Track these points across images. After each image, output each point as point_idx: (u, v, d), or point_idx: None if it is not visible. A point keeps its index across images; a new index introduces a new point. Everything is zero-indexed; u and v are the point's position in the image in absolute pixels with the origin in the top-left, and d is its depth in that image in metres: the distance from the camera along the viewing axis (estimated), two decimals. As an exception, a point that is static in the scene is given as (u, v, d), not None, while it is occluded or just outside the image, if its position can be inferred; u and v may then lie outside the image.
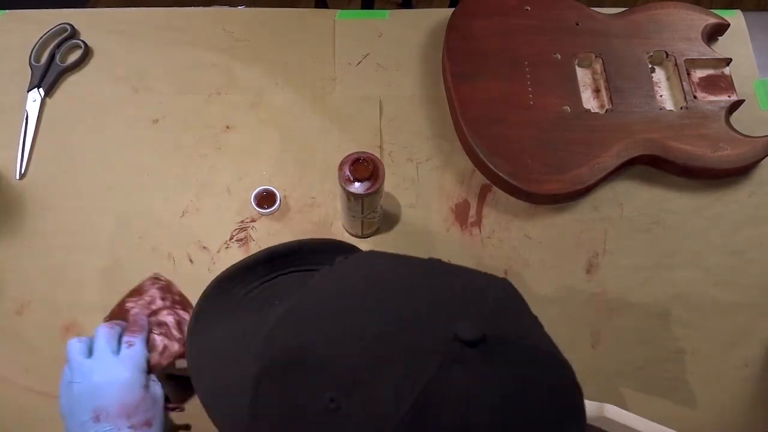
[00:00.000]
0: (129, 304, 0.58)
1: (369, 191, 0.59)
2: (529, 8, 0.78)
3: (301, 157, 0.74)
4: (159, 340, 0.55)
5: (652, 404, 0.65)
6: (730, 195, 0.74)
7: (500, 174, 0.70)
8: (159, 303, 0.58)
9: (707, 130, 0.73)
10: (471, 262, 0.70)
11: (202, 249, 0.69)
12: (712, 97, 0.75)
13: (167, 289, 0.60)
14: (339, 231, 0.70)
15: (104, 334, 0.52)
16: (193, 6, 0.83)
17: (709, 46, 0.78)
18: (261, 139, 0.75)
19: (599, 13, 0.79)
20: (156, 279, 0.60)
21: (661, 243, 0.71)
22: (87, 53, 0.79)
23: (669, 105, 0.75)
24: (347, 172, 0.58)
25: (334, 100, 0.77)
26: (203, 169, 0.73)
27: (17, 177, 0.72)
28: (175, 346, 0.56)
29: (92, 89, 0.77)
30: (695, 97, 0.75)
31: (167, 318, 0.57)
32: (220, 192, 0.72)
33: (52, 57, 0.78)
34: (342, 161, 0.59)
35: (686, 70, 0.76)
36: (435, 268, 0.39)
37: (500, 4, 0.78)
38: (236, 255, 0.69)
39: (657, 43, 0.77)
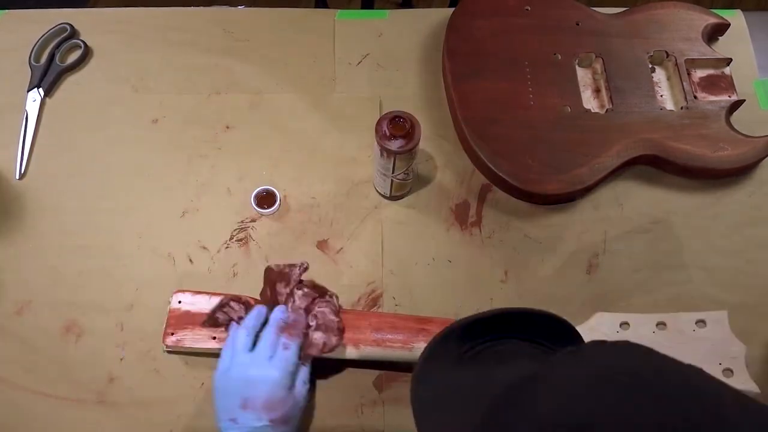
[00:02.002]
0: (281, 298, 0.62)
1: (402, 149, 0.60)
2: (529, 8, 0.78)
3: (301, 157, 0.74)
4: (318, 337, 0.59)
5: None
6: (730, 195, 0.74)
7: (500, 174, 0.70)
8: (299, 294, 0.62)
9: (707, 130, 0.73)
10: (471, 262, 0.70)
11: (202, 249, 0.69)
12: (712, 97, 0.75)
13: (301, 284, 0.63)
14: (339, 231, 0.70)
15: (269, 338, 0.57)
16: (193, 6, 0.83)
17: (709, 46, 0.78)
18: (261, 139, 0.75)
19: (599, 13, 0.79)
20: (303, 269, 0.63)
21: (661, 243, 0.71)
22: (87, 53, 0.79)
23: (669, 105, 0.75)
24: (385, 128, 0.60)
25: (334, 100, 0.77)
26: (203, 169, 0.73)
27: (17, 177, 0.72)
28: (333, 340, 0.59)
29: (92, 89, 0.77)
30: (695, 97, 0.74)
31: (321, 309, 0.61)
32: (220, 192, 0.72)
33: (51, 57, 0.78)
34: (381, 116, 0.61)
35: (686, 70, 0.76)
36: (704, 380, 0.36)
37: (500, 4, 0.78)
38: (236, 255, 0.69)
39: (657, 43, 0.77)
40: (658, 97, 0.75)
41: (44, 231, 0.70)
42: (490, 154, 0.70)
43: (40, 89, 0.76)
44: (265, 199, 0.71)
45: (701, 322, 0.54)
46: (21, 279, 0.67)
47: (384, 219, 0.71)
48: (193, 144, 0.74)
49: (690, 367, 0.35)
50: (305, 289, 0.62)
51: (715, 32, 0.81)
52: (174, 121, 0.76)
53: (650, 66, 0.76)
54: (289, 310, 0.61)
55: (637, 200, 0.73)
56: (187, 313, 0.62)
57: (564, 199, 0.72)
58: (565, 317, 0.67)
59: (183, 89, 0.77)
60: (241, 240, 0.70)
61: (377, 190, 0.72)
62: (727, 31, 0.81)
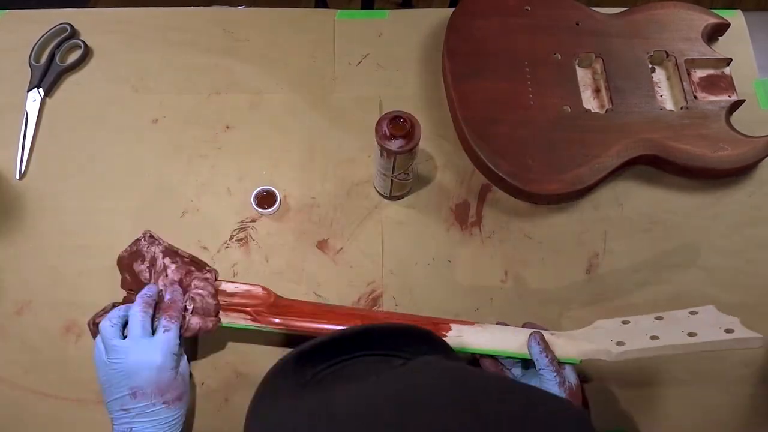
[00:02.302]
0: (144, 276, 0.61)
1: (402, 149, 0.60)
2: (529, 8, 0.78)
3: (301, 157, 0.74)
4: (195, 323, 0.58)
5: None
6: (730, 195, 0.74)
7: (500, 174, 0.70)
8: (172, 269, 0.61)
9: (707, 130, 0.73)
10: (471, 262, 0.70)
11: (202, 249, 0.69)
12: (712, 97, 0.75)
13: (173, 253, 0.62)
14: (339, 231, 0.70)
15: (138, 319, 0.55)
16: (193, 6, 0.83)
17: (709, 46, 0.78)
18: (261, 139, 0.75)
19: (599, 13, 0.79)
20: (150, 237, 0.62)
21: (661, 243, 0.71)
22: (87, 53, 0.79)
23: (669, 105, 0.75)
24: (385, 128, 0.60)
25: (334, 100, 0.77)
26: (203, 169, 0.73)
27: (17, 177, 0.72)
28: (209, 324, 0.59)
29: (92, 89, 0.77)
30: (695, 97, 0.74)
31: (199, 291, 0.60)
32: (220, 192, 0.72)
33: (52, 57, 0.78)
34: (381, 116, 0.61)
35: (686, 70, 0.76)
36: (500, 387, 0.40)
37: (500, 4, 0.78)
38: (236, 255, 0.69)
39: (657, 43, 0.77)
40: (658, 97, 0.75)
41: (44, 231, 0.70)
42: (490, 154, 0.70)
43: (40, 89, 0.76)
44: (265, 199, 0.71)
45: (693, 312, 0.56)
46: (21, 279, 0.67)
47: (384, 219, 0.71)
48: (193, 144, 0.74)
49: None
50: (179, 261, 0.61)
51: (715, 32, 0.81)
52: (174, 121, 0.76)
53: (650, 66, 0.76)
54: (161, 284, 0.60)
55: (637, 200, 0.73)
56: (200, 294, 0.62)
57: (564, 199, 0.72)
58: (565, 318, 0.68)
59: (183, 89, 0.77)
60: (241, 240, 0.70)
61: (377, 190, 0.72)
62: (727, 31, 0.81)
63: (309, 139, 0.75)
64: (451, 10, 0.79)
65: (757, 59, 0.81)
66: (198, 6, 0.83)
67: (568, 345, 0.56)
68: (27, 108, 0.75)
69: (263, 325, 0.60)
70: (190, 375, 0.58)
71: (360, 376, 0.48)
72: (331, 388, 0.49)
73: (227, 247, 0.69)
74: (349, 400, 0.41)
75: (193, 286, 0.60)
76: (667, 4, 0.80)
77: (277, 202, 0.70)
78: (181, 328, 0.57)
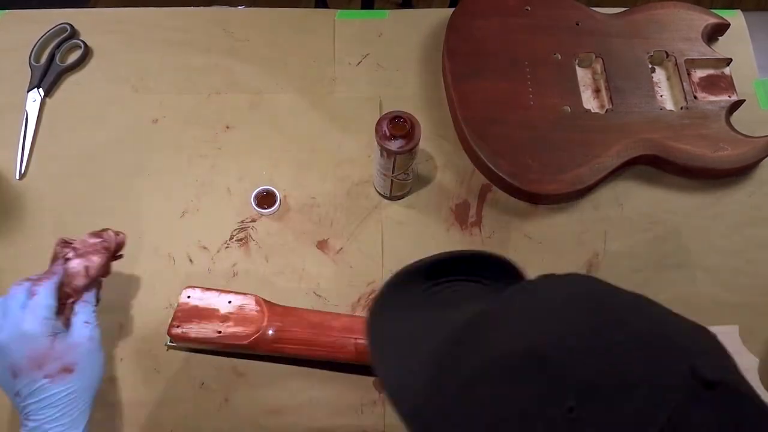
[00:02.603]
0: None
1: (402, 149, 0.60)
2: (529, 8, 0.78)
3: (301, 157, 0.74)
4: (76, 263, 0.54)
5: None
6: (730, 195, 0.74)
7: (500, 174, 0.70)
8: (72, 253, 0.57)
9: (707, 130, 0.73)
10: (471, 262, 0.70)
11: (202, 249, 0.69)
12: (712, 97, 0.75)
13: (78, 241, 0.58)
14: (339, 231, 0.70)
15: (12, 291, 0.51)
16: (193, 6, 0.83)
17: (709, 46, 0.78)
18: (261, 139, 0.75)
19: (599, 13, 0.79)
20: (63, 242, 0.59)
21: (661, 243, 0.71)
22: (87, 53, 0.79)
23: (669, 105, 0.75)
24: (385, 128, 0.60)
25: (334, 100, 0.77)
26: (203, 169, 0.73)
27: (17, 177, 0.72)
28: (95, 260, 0.55)
29: (92, 89, 0.77)
30: (695, 97, 0.74)
31: (82, 239, 0.56)
32: (220, 192, 0.72)
33: (52, 57, 0.78)
34: (381, 116, 0.61)
35: (686, 70, 0.76)
36: (650, 302, 0.39)
37: (500, 4, 0.78)
38: (236, 255, 0.69)
39: (657, 43, 0.77)
40: (658, 97, 0.75)
41: (44, 231, 0.70)
42: (490, 154, 0.70)
43: (40, 89, 0.76)
44: (265, 199, 0.71)
45: None
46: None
47: (384, 219, 0.71)
48: (193, 144, 0.74)
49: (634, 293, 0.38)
50: (75, 247, 0.57)
51: (715, 32, 0.81)
52: (174, 121, 0.76)
53: (650, 66, 0.76)
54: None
55: (637, 200, 0.73)
56: (196, 308, 0.62)
57: (564, 199, 0.72)
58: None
59: (183, 89, 0.77)
60: (241, 240, 0.70)
61: (377, 190, 0.72)
62: (727, 31, 0.81)
63: (309, 139, 0.75)
64: (451, 10, 0.79)
65: (757, 59, 0.81)
66: (198, 6, 0.83)
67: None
68: (27, 108, 0.75)
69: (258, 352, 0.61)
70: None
71: (474, 297, 0.47)
72: (441, 304, 0.46)
73: (227, 247, 0.69)
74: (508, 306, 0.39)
75: (67, 243, 0.57)
76: (667, 4, 0.80)
77: (277, 202, 0.70)
78: (66, 287, 0.53)
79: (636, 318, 0.35)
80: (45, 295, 0.50)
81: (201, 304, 0.62)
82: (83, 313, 0.53)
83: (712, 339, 0.37)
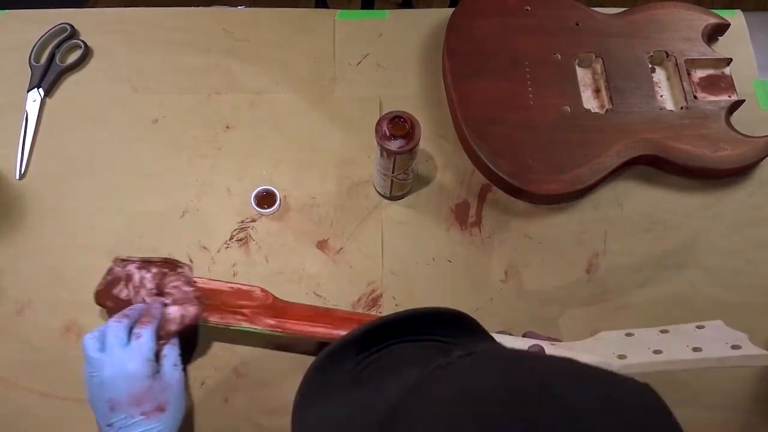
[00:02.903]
0: (123, 294, 0.60)
1: (402, 149, 0.60)
2: (529, 8, 0.78)
3: (301, 157, 0.74)
4: (174, 310, 0.58)
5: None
6: (730, 195, 0.74)
7: (500, 174, 0.70)
8: (148, 278, 0.60)
9: (707, 130, 0.73)
10: (471, 262, 0.70)
11: (202, 249, 0.69)
12: (712, 97, 0.75)
13: (146, 263, 0.61)
14: (339, 231, 0.70)
15: (113, 329, 0.55)
16: (193, 6, 0.83)
17: (709, 46, 0.78)
18: (261, 139, 0.75)
19: (599, 13, 0.79)
20: (121, 261, 0.62)
21: (661, 243, 0.71)
22: (87, 53, 0.79)
23: (669, 105, 0.75)
24: (385, 128, 0.60)
25: (334, 100, 0.77)
26: (203, 169, 0.73)
27: (17, 177, 0.72)
28: (191, 311, 0.58)
29: (92, 89, 0.77)
30: (695, 97, 0.74)
31: (174, 284, 0.60)
32: (220, 192, 0.72)
33: (52, 57, 0.78)
34: (381, 116, 0.61)
35: (686, 70, 0.76)
36: (572, 374, 0.36)
37: (500, 4, 0.78)
38: (236, 255, 0.69)
39: (657, 43, 0.77)
40: (658, 97, 0.75)
41: (44, 231, 0.70)
42: (490, 154, 0.70)
43: (40, 89, 0.76)
44: (265, 199, 0.71)
45: (700, 327, 0.55)
46: (21, 279, 0.67)
47: (384, 219, 0.71)
48: (193, 144, 0.74)
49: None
50: (153, 270, 0.61)
51: (715, 32, 0.81)
52: (174, 121, 0.76)
53: (650, 66, 0.76)
54: (140, 297, 0.59)
55: (637, 200, 0.73)
56: (201, 289, 0.62)
57: (564, 199, 0.72)
58: (565, 318, 0.68)
59: (183, 89, 0.77)
60: (241, 240, 0.70)
61: (377, 190, 0.72)
62: (727, 31, 0.81)
63: (309, 139, 0.75)
64: (451, 10, 0.79)
65: (757, 59, 0.81)
66: (198, 6, 0.83)
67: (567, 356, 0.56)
68: (27, 108, 0.75)
69: (259, 327, 0.60)
70: (187, 385, 0.57)
71: (409, 363, 0.44)
72: (379, 375, 0.45)
73: (227, 247, 0.69)
74: (416, 397, 0.37)
75: (166, 283, 0.60)
76: (667, 4, 0.80)
77: (277, 202, 0.70)
78: (160, 330, 0.56)
79: (562, 390, 0.33)
80: (148, 338, 0.55)
81: (206, 286, 0.63)
82: (171, 356, 0.57)
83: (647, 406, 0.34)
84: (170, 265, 0.62)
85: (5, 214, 0.70)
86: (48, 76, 0.77)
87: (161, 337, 0.57)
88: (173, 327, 0.58)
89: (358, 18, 0.83)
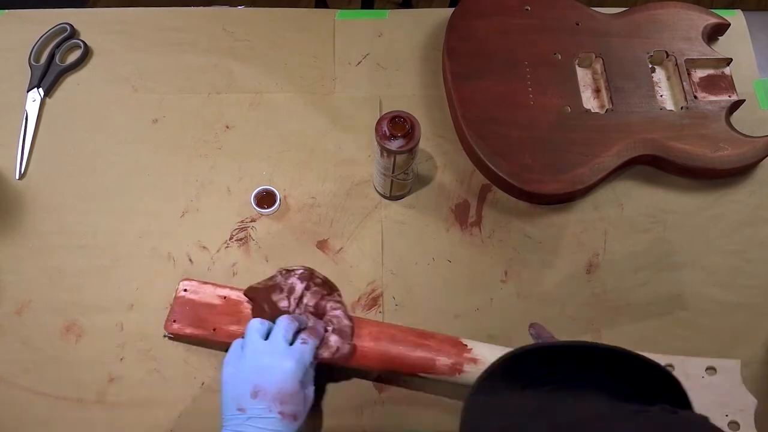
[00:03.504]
0: (282, 304, 0.60)
1: (402, 149, 0.60)
2: (529, 8, 0.78)
3: (301, 157, 0.74)
4: (334, 341, 0.58)
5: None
6: (730, 195, 0.74)
7: (500, 174, 0.70)
8: (308, 295, 0.61)
9: (707, 130, 0.73)
10: (471, 262, 0.70)
11: (202, 249, 0.69)
12: (712, 97, 0.75)
13: (309, 276, 0.62)
14: (339, 231, 0.70)
15: (285, 324, 0.56)
16: (193, 6, 0.83)
17: (709, 46, 0.78)
18: (261, 139, 0.75)
19: (599, 13, 0.79)
20: (286, 272, 0.62)
21: (661, 243, 0.71)
22: (87, 53, 0.79)
23: (669, 105, 0.75)
24: (385, 128, 0.60)
25: (334, 100, 0.77)
26: (203, 169, 0.73)
27: (17, 177, 0.72)
28: (346, 348, 0.58)
29: (92, 89, 0.77)
30: (695, 97, 0.74)
31: (335, 312, 0.60)
32: (220, 192, 0.72)
33: (51, 57, 0.78)
34: (381, 116, 0.61)
35: (686, 70, 0.76)
36: None
37: (500, 4, 0.78)
38: (236, 255, 0.69)
39: (657, 43, 0.77)
40: (658, 97, 0.75)
41: (44, 231, 0.70)
42: (490, 154, 0.70)
43: (40, 89, 0.76)
44: (265, 199, 0.71)
45: (711, 369, 0.51)
46: (21, 279, 0.67)
47: (384, 219, 0.71)
48: (193, 144, 0.74)
49: None
50: (314, 288, 0.61)
51: (715, 32, 0.81)
52: (174, 121, 0.76)
53: (650, 66, 0.76)
54: (299, 311, 0.60)
55: (637, 200, 0.73)
56: (192, 302, 0.63)
57: (564, 199, 0.72)
58: (565, 318, 0.68)
59: (183, 89, 0.77)
60: (241, 240, 0.70)
61: (377, 190, 0.72)
62: (727, 31, 0.81)
63: (309, 139, 0.75)
64: (451, 10, 0.79)
65: (757, 59, 0.81)
66: (198, 6, 0.83)
67: None
68: (27, 108, 0.75)
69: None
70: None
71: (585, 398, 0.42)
72: (553, 395, 0.42)
73: (227, 247, 0.69)
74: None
75: (329, 308, 0.60)
76: (667, 4, 0.80)
77: (277, 202, 0.70)
78: (318, 349, 0.57)
79: None
80: (311, 348, 0.56)
81: (197, 298, 0.63)
82: (311, 375, 0.57)
83: None
84: (329, 287, 0.63)
85: (5, 214, 0.70)
86: (48, 76, 0.77)
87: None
88: (325, 355, 0.57)
89: (358, 18, 0.83)
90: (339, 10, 0.83)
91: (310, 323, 0.58)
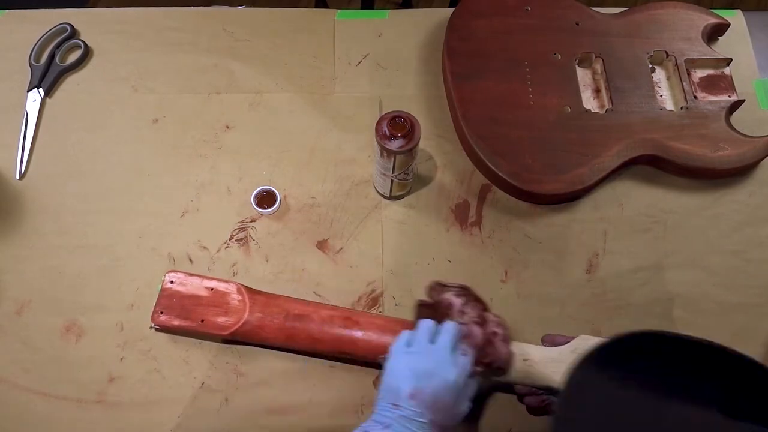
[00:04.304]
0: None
1: (402, 149, 0.60)
2: (529, 8, 0.78)
3: (301, 157, 0.74)
4: (503, 347, 0.56)
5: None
6: (730, 195, 0.74)
7: (500, 174, 0.70)
8: (469, 307, 0.58)
9: (707, 130, 0.73)
10: (471, 262, 0.70)
11: (202, 249, 0.69)
12: (712, 97, 0.75)
13: (464, 294, 0.59)
14: (339, 231, 0.70)
15: (452, 330, 0.55)
16: (193, 6, 0.83)
17: (709, 46, 0.78)
18: (261, 139, 0.75)
19: (599, 13, 0.79)
20: (438, 285, 0.60)
21: (661, 243, 0.71)
22: (87, 53, 0.79)
23: (669, 105, 0.75)
24: (385, 128, 0.60)
25: (334, 100, 0.77)
26: (203, 169, 0.73)
27: (17, 177, 0.72)
28: (505, 354, 0.57)
29: (92, 89, 0.77)
30: (695, 97, 0.74)
31: (496, 330, 0.58)
32: (220, 192, 0.72)
33: (51, 57, 0.78)
34: (381, 116, 0.61)
35: (686, 70, 0.76)
36: None
37: (500, 4, 0.78)
38: (236, 255, 0.69)
39: (657, 43, 0.77)
40: (658, 97, 0.75)
41: (44, 231, 0.70)
42: (490, 154, 0.70)
43: (40, 89, 0.76)
44: (265, 199, 0.71)
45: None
46: (21, 279, 0.67)
47: (384, 219, 0.71)
48: (193, 144, 0.74)
49: None
50: (472, 301, 0.59)
51: (715, 32, 0.81)
52: (174, 121, 0.76)
53: (650, 66, 0.76)
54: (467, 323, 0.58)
55: (637, 200, 0.73)
56: (179, 294, 0.63)
57: (564, 199, 0.72)
58: (565, 318, 0.68)
59: (183, 89, 0.77)
60: (241, 240, 0.70)
61: (377, 190, 0.72)
62: (727, 31, 0.81)
63: (309, 139, 0.75)
64: (451, 10, 0.79)
65: (757, 59, 0.81)
66: (198, 6, 0.83)
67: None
68: (27, 108, 0.75)
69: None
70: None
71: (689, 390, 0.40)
72: (656, 390, 0.41)
73: (227, 247, 0.69)
74: None
75: (489, 320, 0.59)
76: (667, 4, 0.80)
77: (277, 202, 0.70)
78: (483, 363, 0.56)
79: None
80: (471, 361, 0.55)
81: (184, 290, 0.63)
82: (470, 389, 0.55)
83: None
84: (482, 303, 0.60)
85: (5, 214, 0.70)
86: (48, 76, 0.77)
87: (473, 369, 0.56)
88: (489, 360, 0.56)
89: (358, 18, 0.83)
90: (339, 10, 0.83)
91: (466, 330, 0.57)
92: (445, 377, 0.52)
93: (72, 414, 0.62)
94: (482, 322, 0.57)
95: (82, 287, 0.67)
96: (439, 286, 0.60)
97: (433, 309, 0.59)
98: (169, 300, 0.63)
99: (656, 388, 0.42)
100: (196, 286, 0.63)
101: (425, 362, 0.53)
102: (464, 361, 0.54)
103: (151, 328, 0.64)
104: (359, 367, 0.64)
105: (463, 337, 0.56)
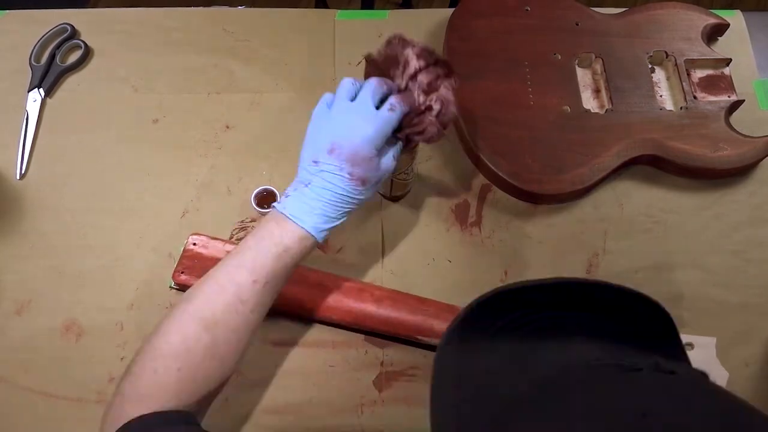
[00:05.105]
0: (396, 80, 0.55)
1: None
2: (529, 8, 0.78)
3: (301, 157, 0.74)
4: (428, 121, 0.54)
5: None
6: (730, 195, 0.74)
7: (500, 174, 0.70)
8: (423, 73, 0.55)
9: (707, 130, 0.73)
10: (471, 262, 0.70)
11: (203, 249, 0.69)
12: (712, 97, 0.75)
13: (428, 54, 0.55)
14: (339, 230, 0.70)
15: (372, 87, 0.53)
16: (193, 6, 0.83)
17: (709, 46, 0.78)
18: (261, 139, 0.75)
19: (599, 13, 0.79)
20: (402, 40, 0.56)
21: (661, 243, 0.71)
22: (87, 53, 0.79)
23: (669, 105, 0.75)
24: None
25: (334, 100, 0.77)
26: (203, 169, 0.73)
27: (17, 177, 0.72)
28: (434, 131, 0.55)
29: (92, 89, 0.77)
30: (695, 97, 0.75)
31: (444, 96, 0.55)
32: (220, 192, 0.72)
33: (52, 57, 0.78)
34: None
35: (686, 70, 0.76)
36: None
37: (500, 4, 0.79)
38: (236, 255, 0.69)
39: (657, 43, 0.77)
40: (658, 97, 0.75)
41: (44, 231, 0.70)
42: (490, 154, 0.70)
43: (41, 89, 0.76)
44: (265, 199, 0.71)
45: (689, 345, 0.54)
46: (21, 279, 0.67)
47: (384, 219, 0.71)
48: (193, 144, 0.74)
49: None
50: (432, 63, 0.55)
51: (714, 32, 0.81)
52: (174, 121, 0.76)
53: (650, 66, 0.77)
54: (414, 90, 0.55)
55: (637, 200, 0.73)
56: (200, 256, 0.65)
57: (564, 199, 0.72)
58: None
59: (183, 89, 0.77)
60: (241, 240, 0.70)
61: (378, 191, 0.72)
62: (727, 31, 0.81)
63: (309, 139, 0.75)
64: (451, 10, 0.79)
65: (756, 59, 0.81)
66: (198, 6, 0.83)
67: None
68: (27, 108, 0.75)
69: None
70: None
71: (581, 340, 0.39)
72: (529, 338, 0.40)
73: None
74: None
75: (442, 88, 0.55)
76: (667, 4, 0.80)
77: (277, 202, 0.70)
78: (403, 125, 0.54)
79: None
80: (397, 117, 0.53)
81: (206, 252, 0.65)
82: (395, 149, 0.55)
83: None
84: (447, 67, 0.56)
85: (5, 214, 0.70)
86: (48, 76, 0.77)
87: (399, 132, 0.55)
88: (419, 129, 0.54)
89: (358, 18, 0.83)
90: (339, 11, 0.83)
91: (407, 88, 0.54)
92: (365, 130, 0.51)
93: (72, 414, 0.62)
94: (429, 91, 0.55)
95: (82, 287, 0.67)
96: (401, 40, 0.56)
97: (382, 68, 0.56)
98: (190, 261, 0.64)
99: (530, 335, 0.41)
100: (217, 249, 0.65)
101: (342, 119, 0.52)
102: (389, 116, 0.52)
103: (171, 287, 0.66)
104: (359, 366, 0.64)
105: (398, 94, 0.54)
